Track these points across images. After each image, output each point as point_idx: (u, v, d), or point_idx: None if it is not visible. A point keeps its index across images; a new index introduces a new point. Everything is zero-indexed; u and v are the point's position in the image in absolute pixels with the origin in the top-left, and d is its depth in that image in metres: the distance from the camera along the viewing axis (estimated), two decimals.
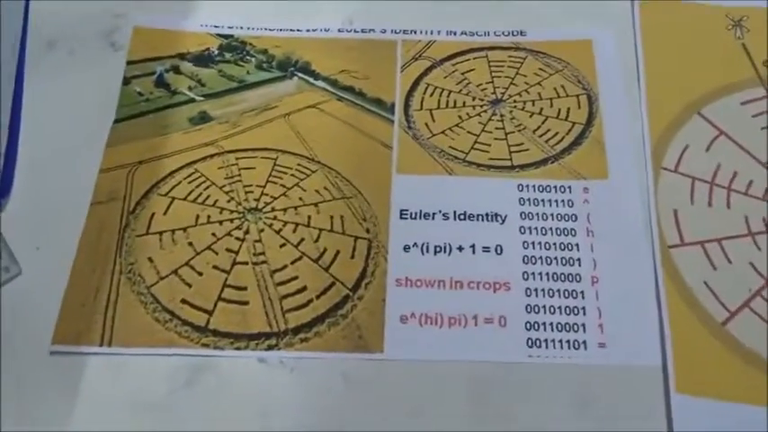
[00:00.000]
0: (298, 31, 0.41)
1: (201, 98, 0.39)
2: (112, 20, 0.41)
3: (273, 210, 0.35)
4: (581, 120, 0.37)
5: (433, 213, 0.34)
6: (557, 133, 0.37)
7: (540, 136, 0.37)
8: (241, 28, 0.41)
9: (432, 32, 0.41)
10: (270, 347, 0.31)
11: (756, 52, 0.38)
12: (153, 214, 0.34)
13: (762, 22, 0.39)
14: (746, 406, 0.29)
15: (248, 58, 0.41)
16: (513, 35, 0.40)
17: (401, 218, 0.34)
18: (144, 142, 0.37)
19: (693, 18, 0.40)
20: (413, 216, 0.34)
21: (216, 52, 0.41)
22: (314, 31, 0.41)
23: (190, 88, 0.39)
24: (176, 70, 0.40)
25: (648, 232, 0.33)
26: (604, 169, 0.35)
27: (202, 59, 0.40)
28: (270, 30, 0.41)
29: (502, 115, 0.38)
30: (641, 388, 0.30)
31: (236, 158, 0.37)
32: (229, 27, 0.41)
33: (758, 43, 0.39)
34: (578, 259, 0.33)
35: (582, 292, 0.32)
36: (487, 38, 0.40)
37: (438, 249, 0.33)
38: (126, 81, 0.39)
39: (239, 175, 0.36)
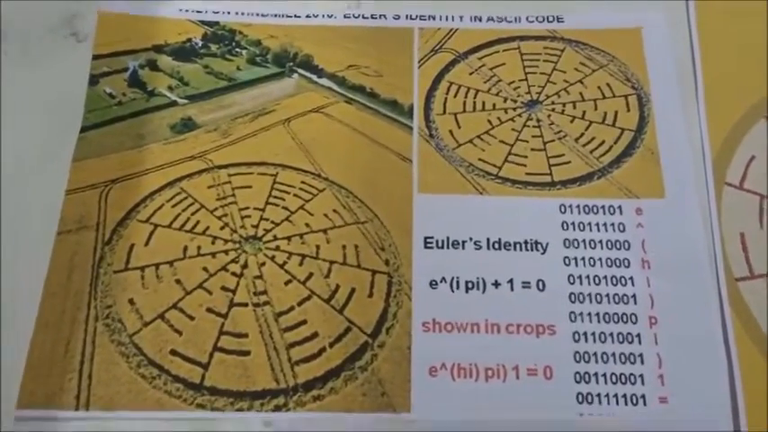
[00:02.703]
0: (296, 17, 0.38)
1: (185, 100, 0.36)
2: (72, 3, 0.38)
3: (275, 238, 0.32)
4: (631, 125, 0.34)
5: (463, 242, 0.32)
6: (603, 142, 0.34)
7: (584, 145, 0.34)
8: (229, 13, 0.38)
9: (453, 18, 0.38)
10: (277, 408, 0.28)
11: None
12: (132, 245, 0.31)
13: None
14: None
15: (238, 50, 0.37)
16: (548, 21, 0.37)
17: (426, 247, 0.32)
18: (117, 156, 0.34)
19: (755, 6, 0.37)
20: (439, 245, 0.32)
21: (200, 43, 0.37)
22: (315, 17, 0.38)
23: (170, 88, 0.36)
24: (153, 66, 0.36)
25: (712, 262, 0.31)
26: (660, 186, 0.33)
27: (184, 52, 0.37)
28: (263, 16, 0.38)
29: (539, 120, 0.35)
30: None
31: (229, 175, 0.34)
32: (215, 12, 0.38)
33: None
34: (633, 296, 0.31)
35: (638, 336, 0.30)
36: (518, 24, 0.37)
37: (470, 285, 0.31)
38: (93, 80, 0.36)
39: (233, 195, 0.33)
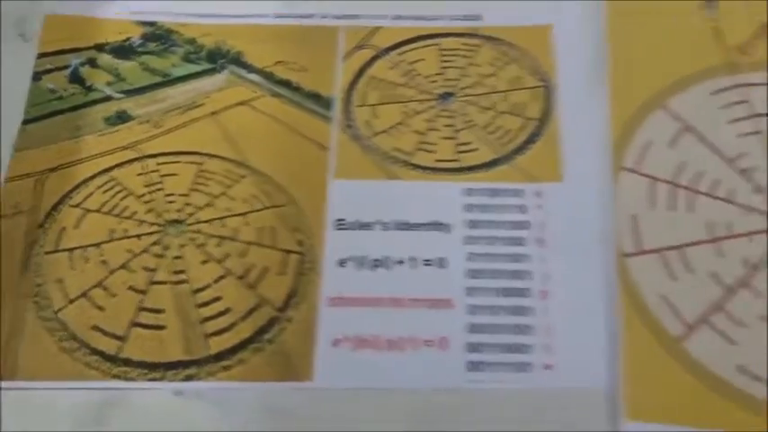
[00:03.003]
0: (230, 17, 0.40)
1: (121, 95, 0.38)
2: (22, 6, 0.41)
3: (198, 222, 0.35)
4: (536, 115, 0.37)
5: (372, 223, 0.34)
6: (509, 130, 0.36)
7: (492, 133, 0.37)
8: (167, 14, 0.41)
9: (378, 17, 0.40)
10: (188, 378, 0.31)
11: (730, 35, 0.38)
12: (63, 228, 0.34)
13: (736, 2, 0.39)
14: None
15: (174, 48, 0.40)
16: (468, 20, 0.40)
17: (337, 229, 0.34)
18: (55, 147, 0.36)
19: (662, 6, 0.39)
20: (350, 227, 0.34)
21: (138, 42, 0.40)
22: (248, 17, 0.40)
23: (108, 84, 0.39)
24: (93, 63, 0.39)
25: (604, 240, 0.33)
26: (560, 170, 0.35)
27: (123, 51, 0.40)
28: (199, 16, 0.41)
29: (452, 111, 0.37)
30: (590, 413, 0.30)
31: (158, 164, 0.36)
32: (153, 13, 0.41)
33: (732, 25, 0.38)
34: (528, 272, 0.33)
35: (530, 309, 0.32)
36: (439, 23, 0.40)
37: (377, 264, 0.33)
38: (37, 76, 0.38)
39: (160, 182, 0.36)
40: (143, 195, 0.35)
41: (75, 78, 0.39)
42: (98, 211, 0.35)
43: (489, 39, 0.39)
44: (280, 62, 0.39)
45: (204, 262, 0.33)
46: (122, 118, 0.38)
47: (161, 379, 0.31)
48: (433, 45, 0.39)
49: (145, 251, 0.34)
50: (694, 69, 0.37)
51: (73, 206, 0.35)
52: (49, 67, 0.39)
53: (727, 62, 0.37)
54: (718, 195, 0.34)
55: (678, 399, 0.30)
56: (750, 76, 0.37)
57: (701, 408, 0.30)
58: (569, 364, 0.31)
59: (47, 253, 0.33)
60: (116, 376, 0.31)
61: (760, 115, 0.36)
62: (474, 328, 0.32)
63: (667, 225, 0.34)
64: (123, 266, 0.33)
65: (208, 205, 0.35)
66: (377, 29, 0.40)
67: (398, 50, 0.39)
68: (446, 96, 0.38)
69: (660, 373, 0.30)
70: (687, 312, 0.32)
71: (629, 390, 0.30)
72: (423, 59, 0.39)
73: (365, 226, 0.34)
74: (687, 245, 0.33)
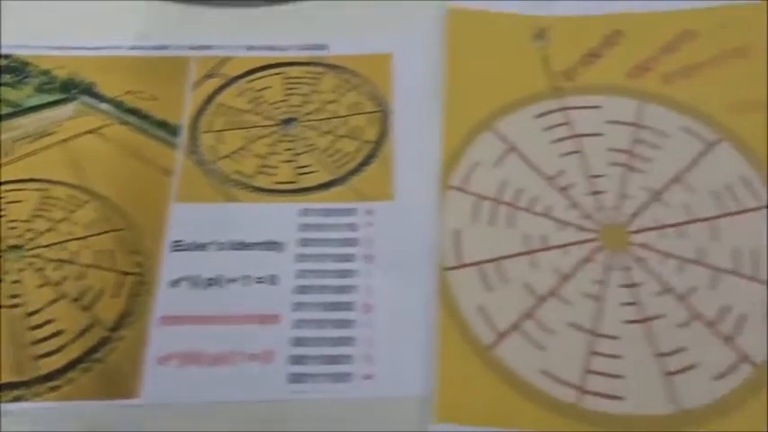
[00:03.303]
0: (85, 49, 0.42)
1: None
2: None
3: (38, 246, 0.36)
4: (372, 138, 0.39)
5: (208, 244, 0.36)
6: (347, 153, 0.39)
7: (330, 156, 0.39)
8: (22, 47, 0.42)
9: (230, 48, 0.42)
10: (16, 399, 0.32)
11: (557, 63, 0.41)
12: None
13: (565, 33, 0.42)
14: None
15: (28, 79, 0.41)
16: (314, 49, 0.42)
17: (174, 250, 0.36)
18: None
19: (499, 29, 0.43)
20: (187, 248, 0.36)
21: None
22: (103, 48, 0.42)
23: None
24: None
25: (429, 255, 0.36)
26: (391, 190, 0.37)
27: None
28: (54, 48, 0.42)
29: (293, 136, 0.40)
30: (405, 419, 0.32)
31: (3, 191, 0.37)
32: (9, 46, 0.42)
33: (559, 54, 0.41)
34: (354, 287, 0.35)
35: (353, 322, 0.34)
36: (287, 52, 0.42)
37: (210, 283, 0.35)
38: None
39: (3, 210, 0.37)
40: None
41: None
42: None
43: (333, 67, 0.42)
44: (129, 92, 0.41)
45: (41, 285, 0.34)
46: None
47: None
48: (279, 73, 0.42)
49: None
50: (522, 94, 0.40)
51: None
52: None
53: (553, 87, 0.40)
54: (537, 211, 0.37)
55: (487, 402, 0.32)
56: (573, 100, 0.40)
57: (508, 409, 0.32)
58: (388, 374, 0.33)
59: None
60: None
61: (580, 136, 0.39)
62: (298, 342, 0.33)
63: (487, 239, 0.36)
64: None
65: (49, 230, 0.36)
66: (227, 59, 0.42)
67: (246, 79, 0.41)
68: (289, 122, 0.40)
69: (472, 379, 0.33)
70: (500, 321, 0.34)
71: (441, 395, 0.32)
72: (269, 87, 0.41)
73: (201, 247, 0.36)
74: (504, 257, 0.36)
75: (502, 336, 0.34)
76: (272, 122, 0.40)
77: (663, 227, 0.36)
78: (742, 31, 0.41)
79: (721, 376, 0.32)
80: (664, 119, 0.39)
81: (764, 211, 0.36)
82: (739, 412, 0.32)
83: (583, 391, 0.32)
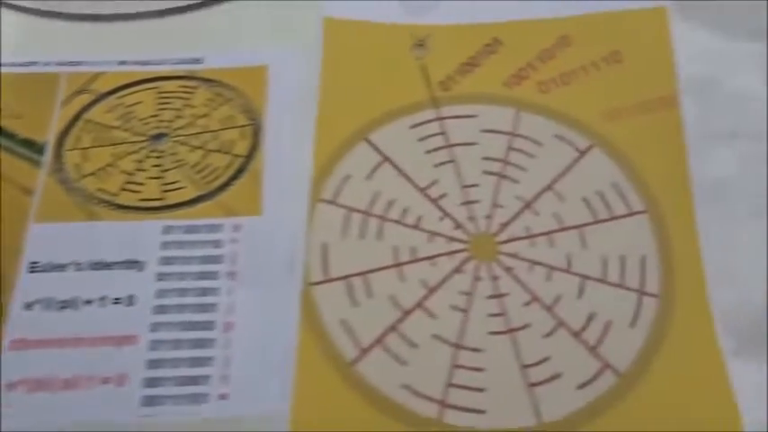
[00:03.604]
0: None
1: None
2: None
3: None
4: (243, 152, 0.39)
5: (66, 264, 0.35)
6: (217, 168, 0.38)
7: (199, 172, 0.38)
8: None
9: (102, 63, 0.42)
10: None
11: (435, 72, 0.41)
12: None
13: (445, 41, 0.42)
14: None
15: None
16: (189, 63, 0.42)
17: (31, 272, 0.35)
18: None
19: (378, 38, 0.43)
20: (43, 269, 0.35)
21: None
22: None
23: None
24: None
25: (295, 270, 0.35)
26: (260, 205, 0.37)
27: None
28: None
29: (162, 151, 0.39)
30: None
31: None
32: None
33: (438, 63, 0.42)
34: (214, 305, 0.34)
35: (213, 341, 0.33)
36: (161, 67, 0.42)
37: (64, 305, 0.34)
38: None
39: None
40: None
41: None
42: None
43: (206, 81, 0.41)
44: None
45: None
46: None
47: None
48: (152, 88, 0.41)
49: None
50: (399, 104, 0.40)
51: None
52: None
53: (430, 97, 0.41)
54: (407, 222, 0.37)
55: (345, 420, 0.32)
56: (449, 110, 0.40)
57: (366, 427, 0.32)
58: (244, 393, 0.32)
59: None
60: None
61: (454, 145, 0.39)
62: (153, 364, 0.33)
63: (356, 253, 0.36)
64: None
65: None
66: (99, 74, 0.41)
67: (117, 94, 0.41)
68: (159, 137, 0.39)
69: (330, 397, 0.32)
70: (363, 336, 0.34)
71: (296, 414, 0.32)
72: (140, 102, 0.40)
73: (58, 267, 0.35)
74: (372, 271, 0.35)
75: (365, 351, 0.33)
76: (141, 138, 0.39)
77: (532, 236, 0.36)
78: (616, 38, 0.41)
79: (584, 386, 0.32)
80: (539, 127, 0.39)
81: (633, 217, 0.37)
82: (602, 421, 0.32)
83: (444, 405, 0.32)
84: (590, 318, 0.34)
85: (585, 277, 0.35)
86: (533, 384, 0.33)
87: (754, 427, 0.32)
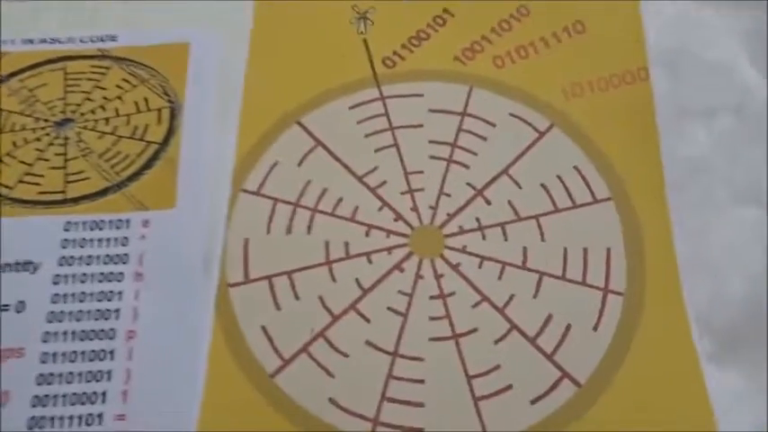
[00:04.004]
0: None
1: None
2: None
3: None
4: (158, 138, 0.35)
5: None
6: (127, 156, 0.34)
7: (108, 161, 0.34)
8: None
9: (5, 43, 0.38)
10: None
11: (377, 48, 0.37)
12: None
13: (389, 14, 0.39)
14: None
15: None
16: (102, 41, 0.38)
17: None
18: None
19: (316, 13, 0.39)
20: None
21: None
22: None
23: None
24: None
25: (211, 270, 0.32)
26: (173, 197, 0.33)
27: None
28: None
29: (66, 138, 0.35)
30: None
31: None
32: None
33: (381, 38, 0.38)
34: (117, 310, 0.30)
35: (112, 352, 0.30)
36: (70, 45, 0.38)
37: None
38: None
39: None
40: None
41: None
42: None
43: (120, 60, 0.37)
44: None
45: None
46: None
47: None
48: (59, 69, 0.37)
49: None
50: (337, 83, 0.36)
51: None
52: None
53: (372, 75, 0.37)
54: (341, 214, 0.33)
55: None
56: (393, 88, 0.36)
57: None
58: (147, 412, 0.28)
59: None
60: None
61: (398, 128, 0.35)
62: (43, 379, 0.29)
63: (281, 249, 0.32)
64: None
65: None
66: (2, 54, 0.38)
67: (20, 76, 0.37)
68: (64, 123, 0.36)
69: (246, 414, 0.28)
70: (287, 344, 0.30)
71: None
72: (46, 84, 0.37)
73: None
74: (298, 270, 0.32)
75: (287, 362, 0.29)
76: (44, 125, 0.35)
77: (483, 227, 0.33)
78: (578, 6, 0.38)
79: (539, 399, 0.29)
80: (492, 105, 0.36)
81: (598, 205, 0.33)
82: None
83: (378, 423, 0.28)
84: (547, 320, 0.30)
85: (543, 274, 0.31)
86: (481, 398, 0.29)
87: None
